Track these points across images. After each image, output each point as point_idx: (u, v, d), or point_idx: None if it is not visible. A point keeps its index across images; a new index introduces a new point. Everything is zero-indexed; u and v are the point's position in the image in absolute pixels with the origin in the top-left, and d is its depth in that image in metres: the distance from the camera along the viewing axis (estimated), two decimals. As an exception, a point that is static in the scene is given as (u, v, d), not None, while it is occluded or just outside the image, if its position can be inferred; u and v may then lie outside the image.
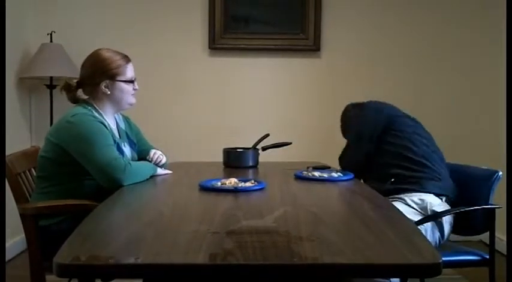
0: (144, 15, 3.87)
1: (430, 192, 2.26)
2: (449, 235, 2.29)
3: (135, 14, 3.86)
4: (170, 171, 2.36)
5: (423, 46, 3.97)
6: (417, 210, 2.23)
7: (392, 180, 2.34)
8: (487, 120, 3.94)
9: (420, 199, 2.25)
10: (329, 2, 3.88)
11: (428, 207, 2.23)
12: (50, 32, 3.67)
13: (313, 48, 3.89)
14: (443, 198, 2.29)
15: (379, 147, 2.44)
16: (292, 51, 3.91)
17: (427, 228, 2.18)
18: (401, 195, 2.28)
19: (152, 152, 2.40)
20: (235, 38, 3.87)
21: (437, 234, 2.22)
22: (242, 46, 3.87)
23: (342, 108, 2.71)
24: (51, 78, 3.60)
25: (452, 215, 2.27)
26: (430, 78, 3.99)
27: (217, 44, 3.86)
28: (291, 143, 2.85)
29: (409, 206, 2.24)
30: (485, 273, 2.14)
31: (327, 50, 3.92)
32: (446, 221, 2.24)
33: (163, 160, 2.41)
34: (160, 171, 2.31)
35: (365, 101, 2.66)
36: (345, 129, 2.65)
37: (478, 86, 3.97)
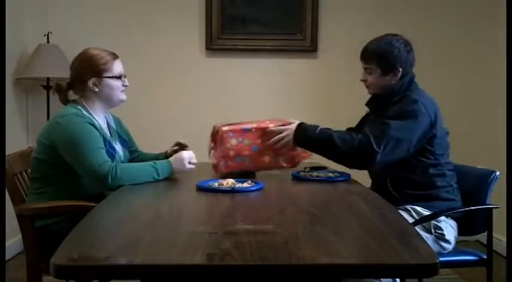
0: (141, 16, 3.86)
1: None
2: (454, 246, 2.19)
3: (132, 15, 3.86)
4: (192, 166, 2.28)
5: (420, 47, 3.95)
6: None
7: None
8: (486, 120, 3.94)
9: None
10: (326, 2, 3.88)
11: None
12: (47, 33, 3.66)
13: (310, 49, 3.89)
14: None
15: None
16: (289, 52, 3.91)
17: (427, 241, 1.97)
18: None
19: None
20: (233, 38, 3.86)
21: (437, 247, 2.11)
22: (239, 47, 3.87)
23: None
24: (48, 79, 3.60)
25: (456, 230, 2.18)
26: (427, 78, 3.96)
27: (214, 44, 3.86)
28: (288, 144, 2.84)
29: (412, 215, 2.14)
30: (483, 273, 2.14)
31: (324, 51, 3.92)
32: (450, 233, 2.14)
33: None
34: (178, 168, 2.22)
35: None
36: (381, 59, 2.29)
37: (477, 86, 3.97)
